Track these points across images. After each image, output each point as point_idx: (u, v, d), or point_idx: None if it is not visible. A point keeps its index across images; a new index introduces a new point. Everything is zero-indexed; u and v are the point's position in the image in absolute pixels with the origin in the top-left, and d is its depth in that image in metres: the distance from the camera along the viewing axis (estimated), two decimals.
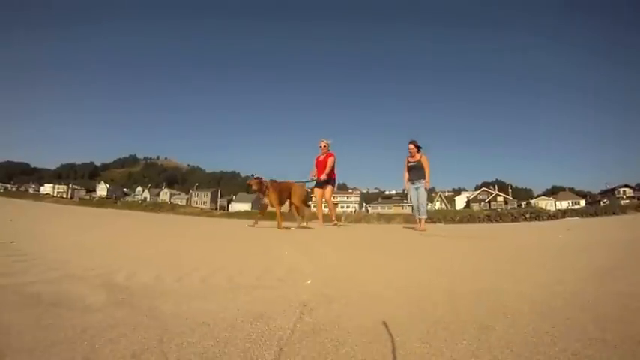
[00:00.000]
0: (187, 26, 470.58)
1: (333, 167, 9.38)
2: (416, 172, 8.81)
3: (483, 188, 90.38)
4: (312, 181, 9.53)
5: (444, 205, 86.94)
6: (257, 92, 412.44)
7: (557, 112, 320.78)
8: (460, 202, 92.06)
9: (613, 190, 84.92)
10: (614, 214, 24.01)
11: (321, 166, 9.46)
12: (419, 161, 8.78)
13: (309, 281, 2.32)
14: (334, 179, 9.67)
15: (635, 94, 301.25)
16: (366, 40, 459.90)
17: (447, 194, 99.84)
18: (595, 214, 25.17)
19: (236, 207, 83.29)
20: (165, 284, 2.18)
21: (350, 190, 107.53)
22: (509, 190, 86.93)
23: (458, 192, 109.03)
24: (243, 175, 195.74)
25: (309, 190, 9.59)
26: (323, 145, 9.54)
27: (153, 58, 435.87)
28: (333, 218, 9.69)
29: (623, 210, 26.50)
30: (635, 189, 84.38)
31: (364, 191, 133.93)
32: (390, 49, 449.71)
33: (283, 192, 8.13)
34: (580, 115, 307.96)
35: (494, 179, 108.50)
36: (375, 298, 1.94)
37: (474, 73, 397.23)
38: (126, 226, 8.22)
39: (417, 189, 8.79)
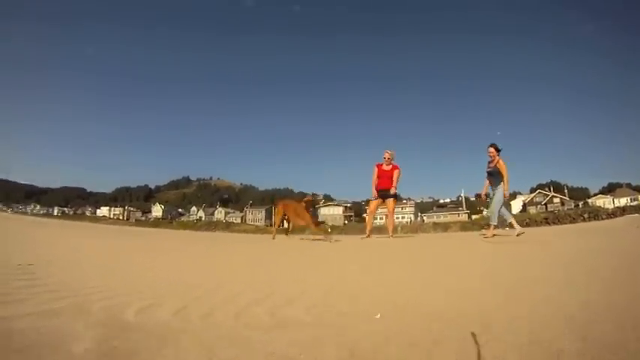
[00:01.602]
0: (240, 43, 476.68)
1: (398, 180, 9.17)
2: (493, 178, 8.41)
3: (539, 190, 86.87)
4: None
5: None
6: (308, 110, 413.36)
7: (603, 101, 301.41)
8: (516, 205, 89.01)
9: None
10: None
11: (385, 176, 9.16)
12: (495, 166, 8.31)
13: (377, 315, 1.81)
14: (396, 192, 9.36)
15: None
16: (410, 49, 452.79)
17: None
18: None
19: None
20: (186, 321, 1.73)
21: (404, 201, 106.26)
22: (565, 191, 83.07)
23: (513, 196, 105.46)
24: (296, 190, 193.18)
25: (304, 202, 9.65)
26: (387, 155, 9.20)
27: (199, 82, 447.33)
28: (391, 230, 9.29)
29: None
30: None
31: (418, 201, 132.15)
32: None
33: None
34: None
35: (548, 180, 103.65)
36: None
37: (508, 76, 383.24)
38: (167, 246, 7.66)
39: (493, 195, 8.39)
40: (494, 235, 8.14)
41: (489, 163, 8.50)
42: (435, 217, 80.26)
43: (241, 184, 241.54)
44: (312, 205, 9.53)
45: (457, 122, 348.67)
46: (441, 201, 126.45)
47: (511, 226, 8.16)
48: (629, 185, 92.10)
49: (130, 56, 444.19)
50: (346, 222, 74.73)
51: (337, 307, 1.96)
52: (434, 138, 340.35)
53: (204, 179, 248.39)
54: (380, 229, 16.67)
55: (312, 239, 7.88)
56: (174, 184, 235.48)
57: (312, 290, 2.43)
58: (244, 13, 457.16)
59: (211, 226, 49.32)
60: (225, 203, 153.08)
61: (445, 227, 22.70)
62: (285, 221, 10.23)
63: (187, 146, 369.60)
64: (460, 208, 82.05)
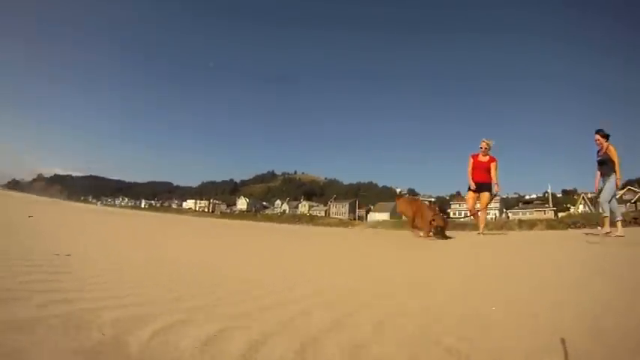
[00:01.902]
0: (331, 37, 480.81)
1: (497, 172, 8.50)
2: (604, 167, 7.71)
3: (628, 187, 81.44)
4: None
5: (587, 208, 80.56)
6: (392, 106, 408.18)
7: None
8: None
9: None
10: None
11: (481, 168, 8.56)
12: (606, 153, 7.65)
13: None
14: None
15: None
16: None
17: (589, 195, 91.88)
18: None
19: (375, 217, 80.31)
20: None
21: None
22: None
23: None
24: (380, 184, 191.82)
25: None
26: (484, 145, 8.57)
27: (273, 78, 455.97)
28: (482, 227, 8.62)
29: None
30: None
31: (503, 196, 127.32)
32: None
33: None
34: None
35: (637, 177, 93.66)
36: None
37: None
38: (235, 240, 7.05)
39: (604, 185, 7.68)
40: (608, 232, 7.47)
41: (598, 152, 7.88)
42: (520, 213, 76.82)
43: (325, 178, 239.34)
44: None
45: (546, 114, 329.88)
46: (527, 197, 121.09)
47: (614, 225, 7.47)
48: None
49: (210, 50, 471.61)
50: None
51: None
52: (521, 129, 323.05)
53: (288, 173, 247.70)
54: (463, 225, 16.47)
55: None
56: (260, 179, 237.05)
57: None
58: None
59: (295, 218, 48.78)
60: (309, 197, 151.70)
61: (531, 225, 23.27)
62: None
63: (273, 142, 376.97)
64: (546, 205, 78.04)
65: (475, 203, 8.70)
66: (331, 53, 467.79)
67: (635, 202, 71.39)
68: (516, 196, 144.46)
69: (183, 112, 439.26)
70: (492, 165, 8.48)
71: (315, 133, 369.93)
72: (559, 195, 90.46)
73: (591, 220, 28.00)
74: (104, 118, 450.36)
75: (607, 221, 7.62)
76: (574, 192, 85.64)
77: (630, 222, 25.55)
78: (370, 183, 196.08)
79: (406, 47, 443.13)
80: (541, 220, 30.23)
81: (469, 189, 8.62)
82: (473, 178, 8.52)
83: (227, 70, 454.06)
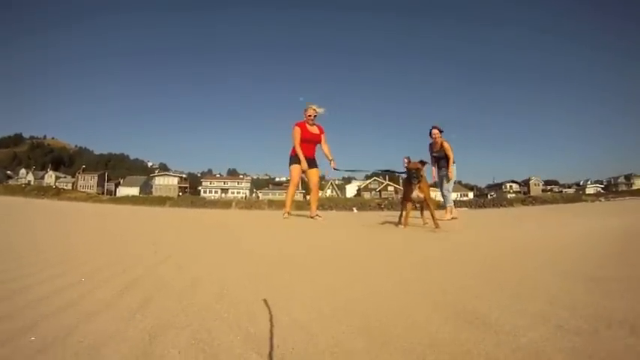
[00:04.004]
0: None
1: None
2: (442, 161, 7.89)
3: (374, 178, 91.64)
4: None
5: (334, 193, 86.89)
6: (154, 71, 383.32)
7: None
8: (351, 190, 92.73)
9: (500, 184, 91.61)
10: (501, 206, 25.90)
11: (310, 140, 6.92)
12: (441, 148, 7.81)
13: None
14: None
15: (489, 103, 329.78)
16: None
17: (337, 182, 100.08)
18: (483, 206, 27.28)
19: (124, 191, 75.88)
20: None
21: (240, 176, 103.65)
22: (400, 181, 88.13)
23: (348, 180, 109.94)
24: (132, 157, 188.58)
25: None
26: (312, 112, 6.90)
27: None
28: (314, 209, 7.05)
29: (510, 203, 28.72)
30: (520, 184, 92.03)
31: (254, 177, 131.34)
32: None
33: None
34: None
35: (386, 169, 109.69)
36: None
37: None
38: None
39: (441, 177, 7.96)
40: (453, 217, 7.55)
41: (432, 145, 8.06)
42: (270, 194, 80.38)
43: (76, 146, 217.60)
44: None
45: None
46: (277, 179, 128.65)
47: (449, 211, 7.69)
48: (459, 182, 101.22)
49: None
50: (180, 193, 73.37)
51: None
52: (268, 113, 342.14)
53: (38, 138, 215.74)
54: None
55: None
56: (4, 142, 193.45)
57: None
58: None
59: (41, 191, 44.48)
60: (57, 166, 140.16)
61: (280, 205, 22.80)
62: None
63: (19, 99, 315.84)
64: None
65: (299, 181, 7.10)
66: None
67: (380, 191, 79.62)
68: (267, 177, 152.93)
69: None
70: (323, 137, 7.04)
71: (69, 92, 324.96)
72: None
73: (338, 203, 27.91)
74: None
75: (452, 209, 7.64)
76: (322, 178, 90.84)
77: (375, 207, 25.71)
78: (122, 155, 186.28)
79: None
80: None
81: (291, 163, 6.83)
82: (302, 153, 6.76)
83: None
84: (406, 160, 5.60)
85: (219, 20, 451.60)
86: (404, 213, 5.42)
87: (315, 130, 6.97)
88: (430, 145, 8.05)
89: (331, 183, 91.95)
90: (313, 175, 6.97)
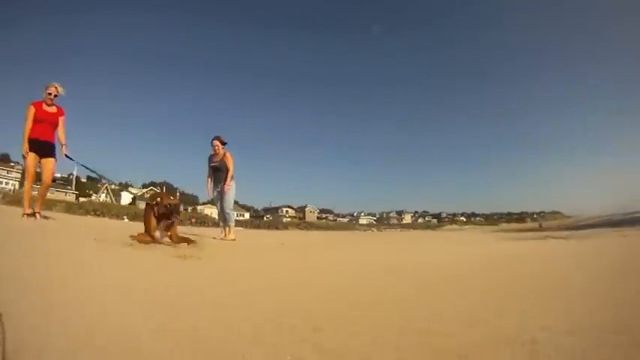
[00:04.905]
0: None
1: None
2: (220, 173, 7.45)
3: (151, 187, 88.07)
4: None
5: (109, 199, 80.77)
6: None
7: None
8: (126, 198, 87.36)
9: (277, 208, 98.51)
10: (277, 228, 28.03)
11: (47, 121, 6.22)
12: (222, 160, 7.45)
13: None
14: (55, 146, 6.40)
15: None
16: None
17: (112, 187, 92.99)
18: (259, 227, 28.93)
19: None
20: None
21: (11, 163, 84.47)
22: (178, 193, 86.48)
23: (125, 186, 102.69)
24: None
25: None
26: (54, 90, 6.27)
27: None
28: (39, 205, 6.44)
29: (285, 226, 31.50)
30: (296, 210, 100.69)
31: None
32: None
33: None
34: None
35: (163, 180, 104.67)
36: None
37: None
38: None
39: (220, 193, 7.47)
40: (232, 239, 7.21)
41: (212, 157, 7.59)
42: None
43: None
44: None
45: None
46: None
47: (229, 231, 7.38)
48: (236, 202, 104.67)
49: None
50: None
51: None
52: None
53: None
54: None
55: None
56: None
57: None
58: None
59: None
60: None
61: (50, 206, 20.20)
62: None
63: None
64: (69, 187, 74.25)
65: (35, 173, 6.25)
66: None
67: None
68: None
69: None
70: (61, 119, 6.34)
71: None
72: (83, 180, 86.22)
73: (111, 210, 27.84)
74: None
75: (233, 229, 7.53)
76: (98, 180, 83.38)
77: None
78: None
79: None
80: (60, 202, 27.14)
81: (25, 150, 6.01)
82: (32, 135, 6.04)
83: None
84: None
85: None
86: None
87: (53, 109, 6.30)
88: (210, 156, 7.61)
89: (107, 187, 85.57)
90: (47, 164, 6.24)
